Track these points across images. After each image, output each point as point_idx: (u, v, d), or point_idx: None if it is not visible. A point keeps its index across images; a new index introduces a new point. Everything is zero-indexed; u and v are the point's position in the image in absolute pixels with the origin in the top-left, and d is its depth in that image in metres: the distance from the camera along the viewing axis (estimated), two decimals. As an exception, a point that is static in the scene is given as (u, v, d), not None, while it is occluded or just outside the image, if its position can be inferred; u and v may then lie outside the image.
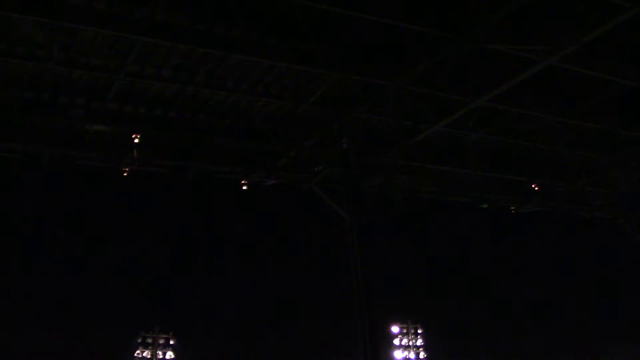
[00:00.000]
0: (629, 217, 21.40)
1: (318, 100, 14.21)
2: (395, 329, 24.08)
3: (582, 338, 27.24)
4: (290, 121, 15.28)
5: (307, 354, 25.89)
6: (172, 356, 23.61)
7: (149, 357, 23.34)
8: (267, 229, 29.21)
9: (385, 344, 23.04)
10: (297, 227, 28.09)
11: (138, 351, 23.30)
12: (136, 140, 14.20)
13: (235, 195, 17.32)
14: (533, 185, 19.83)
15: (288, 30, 12.02)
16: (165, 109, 14.37)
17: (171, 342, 23.78)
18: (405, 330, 24.24)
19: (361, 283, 15.08)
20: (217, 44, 11.84)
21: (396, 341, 24.00)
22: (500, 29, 11.42)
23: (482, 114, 15.34)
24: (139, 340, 23.43)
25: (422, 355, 24.09)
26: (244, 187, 16.55)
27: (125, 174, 14.90)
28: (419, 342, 24.24)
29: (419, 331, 24.39)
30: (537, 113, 15.45)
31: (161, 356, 23.47)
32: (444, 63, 12.44)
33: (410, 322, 24.44)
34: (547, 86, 14.46)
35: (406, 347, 24.06)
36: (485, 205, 20.16)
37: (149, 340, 23.50)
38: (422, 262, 29.02)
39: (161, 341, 23.65)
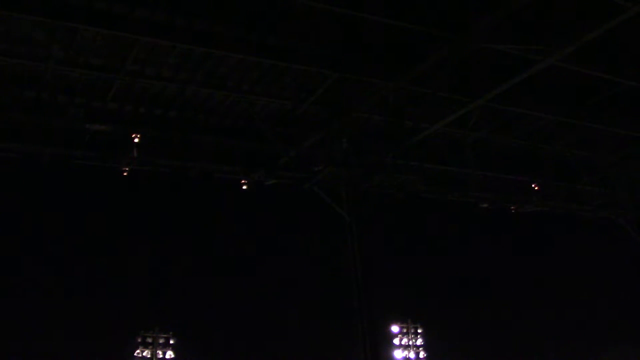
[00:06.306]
0: (629, 217, 21.38)
1: (318, 100, 14.22)
2: (395, 328, 24.08)
3: (582, 338, 27.23)
4: (290, 121, 15.28)
5: (307, 354, 25.88)
6: (172, 356, 23.62)
7: (149, 356, 23.34)
8: (267, 229, 29.21)
9: (385, 344, 23.06)
10: (297, 227, 28.09)
11: (138, 351, 23.31)
12: (136, 140, 14.19)
13: (235, 195, 17.31)
14: (533, 185, 19.82)
15: (288, 30, 12.02)
16: (165, 109, 14.37)
17: (171, 342, 23.78)
18: (405, 330, 24.24)
19: (361, 283, 15.09)
20: (217, 44, 11.85)
21: (396, 341, 24.00)
22: (500, 29, 11.42)
23: (482, 114, 15.34)
24: (139, 340, 23.44)
25: (422, 355, 24.09)
26: (244, 187, 16.54)
27: (125, 174, 14.88)
28: (419, 342, 24.24)
29: (419, 331, 24.40)
30: (537, 113, 15.46)
31: (161, 356, 23.48)
32: (444, 63, 12.44)
33: (410, 322, 24.44)
34: (547, 86, 14.46)
35: (406, 347, 24.06)
36: (485, 205, 20.13)
37: (149, 340, 23.52)
38: (422, 262, 29.01)
39: (161, 341, 23.66)
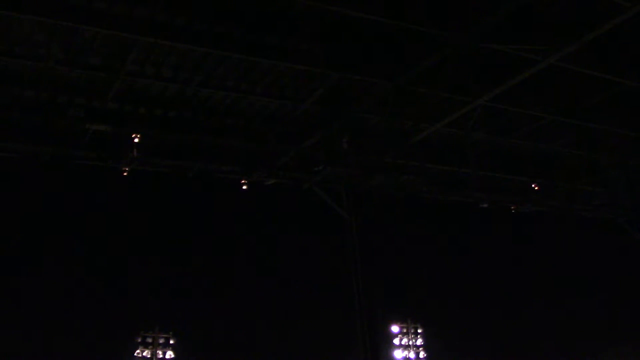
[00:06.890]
0: (629, 217, 21.38)
1: (318, 100, 14.21)
2: (395, 328, 24.09)
3: (582, 339, 27.22)
4: (290, 121, 15.27)
5: (307, 354, 25.88)
6: (172, 356, 23.64)
7: (148, 356, 23.36)
8: (267, 229, 29.22)
9: (385, 344, 23.06)
10: (297, 227, 28.10)
11: (138, 351, 23.33)
12: (136, 140, 14.18)
13: (235, 195, 17.32)
14: (533, 185, 19.83)
15: (288, 30, 12.02)
16: (165, 109, 14.37)
17: (171, 342, 23.80)
18: (405, 330, 24.26)
19: (361, 283, 15.10)
20: (217, 44, 11.85)
21: (396, 341, 24.01)
22: (500, 29, 11.42)
23: (482, 114, 15.34)
24: (139, 340, 23.46)
25: (422, 355, 24.11)
26: (244, 187, 16.54)
27: (125, 174, 14.88)
28: (419, 342, 24.25)
29: (419, 331, 24.41)
30: (537, 113, 15.45)
31: (161, 356, 23.50)
32: (444, 63, 12.44)
33: (410, 322, 24.45)
34: (547, 86, 14.46)
35: (406, 347, 24.07)
36: (485, 205, 20.13)
37: (149, 340, 23.54)
38: (422, 262, 29.00)
39: (161, 341, 23.68)
